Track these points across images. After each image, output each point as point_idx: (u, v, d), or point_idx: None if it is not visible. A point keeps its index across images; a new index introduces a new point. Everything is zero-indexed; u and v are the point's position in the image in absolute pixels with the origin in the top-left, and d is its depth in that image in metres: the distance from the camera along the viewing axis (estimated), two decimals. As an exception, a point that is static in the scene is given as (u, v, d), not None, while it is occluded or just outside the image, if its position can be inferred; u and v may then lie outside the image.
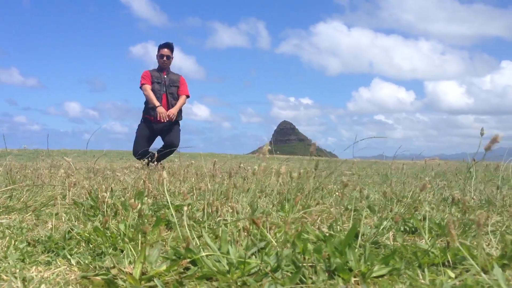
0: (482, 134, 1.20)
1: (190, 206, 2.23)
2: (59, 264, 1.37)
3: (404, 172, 4.27)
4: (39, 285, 1.17)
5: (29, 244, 1.58)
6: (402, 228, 1.93)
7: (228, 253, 1.32)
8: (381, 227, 1.79)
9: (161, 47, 5.80)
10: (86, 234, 1.62)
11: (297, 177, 1.94)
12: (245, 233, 1.46)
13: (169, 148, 5.60)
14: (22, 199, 2.46)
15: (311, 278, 1.20)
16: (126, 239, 1.53)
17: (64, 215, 2.13)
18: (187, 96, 5.92)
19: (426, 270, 1.27)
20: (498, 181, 2.85)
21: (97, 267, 1.32)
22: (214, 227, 1.83)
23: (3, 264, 1.31)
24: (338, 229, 1.86)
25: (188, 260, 1.26)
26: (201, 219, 1.96)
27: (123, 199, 2.08)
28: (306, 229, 1.69)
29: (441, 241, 1.72)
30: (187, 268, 1.27)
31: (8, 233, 1.71)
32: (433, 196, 2.90)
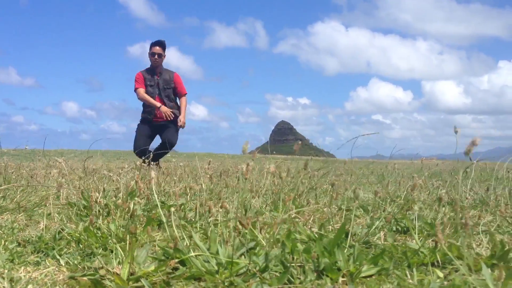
0: (456, 132, 1.20)
1: (183, 206, 2.23)
2: (48, 264, 1.37)
3: (399, 172, 4.27)
4: (26, 286, 1.17)
5: (19, 244, 1.57)
6: (394, 228, 1.93)
7: (217, 253, 1.32)
8: (373, 227, 1.79)
9: (152, 45, 5.70)
10: (76, 235, 1.62)
11: (285, 177, 1.93)
12: (236, 233, 1.46)
13: (166, 146, 5.59)
14: (15, 199, 2.46)
15: (299, 278, 1.20)
16: (116, 240, 1.53)
17: (57, 215, 2.13)
18: (185, 94, 5.91)
19: (414, 270, 1.27)
20: (492, 181, 2.85)
21: (86, 267, 1.31)
22: (206, 227, 1.83)
23: (-8, 265, 1.31)
24: (330, 229, 1.86)
25: (177, 260, 1.26)
26: (193, 219, 1.96)
27: (114, 199, 2.08)
28: (297, 229, 1.69)
29: (432, 241, 1.72)
30: (176, 269, 1.27)
31: (-1, 233, 1.71)
32: (427, 196, 2.90)
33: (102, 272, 1.20)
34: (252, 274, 1.21)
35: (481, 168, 5.83)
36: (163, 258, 1.32)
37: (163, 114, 5.58)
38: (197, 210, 1.94)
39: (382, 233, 1.74)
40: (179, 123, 5.72)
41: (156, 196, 1.51)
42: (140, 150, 5.41)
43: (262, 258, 1.26)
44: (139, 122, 5.92)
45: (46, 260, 1.40)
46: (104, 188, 2.16)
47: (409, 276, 1.24)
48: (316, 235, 1.57)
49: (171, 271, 1.26)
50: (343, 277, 1.23)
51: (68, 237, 1.62)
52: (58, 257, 1.42)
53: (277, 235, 1.58)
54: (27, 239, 1.62)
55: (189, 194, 2.50)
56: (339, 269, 1.25)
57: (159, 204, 1.48)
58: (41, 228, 1.86)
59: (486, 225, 2.00)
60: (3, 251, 1.44)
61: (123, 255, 1.34)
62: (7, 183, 2.88)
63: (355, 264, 1.28)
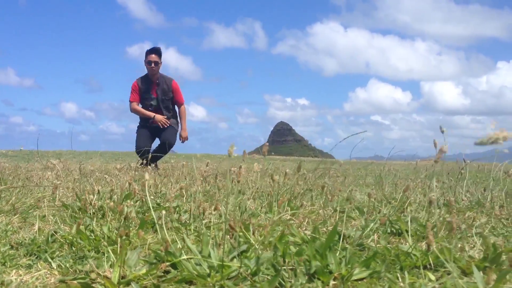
0: (442, 131, 1.19)
1: (178, 208, 2.23)
2: (40, 267, 1.37)
3: (396, 173, 4.27)
4: (17, 289, 1.16)
5: (12, 247, 1.57)
6: (388, 230, 1.93)
7: (209, 256, 1.31)
8: (368, 229, 1.79)
9: (148, 52, 5.63)
10: (69, 237, 1.61)
11: (277, 179, 1.93)
12: (229, 236, 1.46)
13: (164, 146, 5.60)
14: (10, 201, 2.45)
15: (290, 282, 1.19)
16: (107, 242, 1.53)
17: (51, 217, 2.13)
18: (183, 103, 5.96)
19: (406, 273, 1.26)
20: (488, 182, 2.85)
21: (77, 270, 1.31)
22: (200, 229, 1.83)
23: (-17, 268, 1.30)
24: (324, 231, 1.86)
25: (168, 263, 1.26)
26: (187, 221, 1.96)
27: (108, 201, 2.08)
28: (291, 231, 1.68)
29: (426, 243, 1.71)
30: (167, 272, 1.27)
31: (-9, 236, 1.71)
32: (423, 197, 2.90)
33: (93, 275, 1.20)
34: (243, 278, 1.21)
35: (479, 169, 5.83)
36: (154, 261, 1.32)
37: (158, 123, 5.63)
38: (191, 212, 1.93)
39: (376, 236, 1.74)
40: (181, 139, 5.80)
41: (149, 198, 1.51)
42: (141, 151, 5.44)
43: (254, 261, 1.26)
44: (138, 125, 5.94)
45: (38, 263, 1.40)
46: (98, 190, 2.16)
47: (400, 279, 1.24)
48: (309, 238, 1.57)
49: (162, 274, 1.26)
50: (334, 280, 1.22)
51: (61, 240, 1.61)
52: (50, 260, 1.41)
53: (270, 237, 1.58)
54: (20, 241, 1.61)
55: (185, 196, 2.50)
56: (330, 272, 1.25)
57: (151, 206, 1.48)
58: (34, 230, 1.86)
59: (481, 227, 1.99)
60: (-5, 254, 1.43)
61: (114, 258, 1.34)
62: (4, 185, 2.88)
63: (347, 267, 1.28)
